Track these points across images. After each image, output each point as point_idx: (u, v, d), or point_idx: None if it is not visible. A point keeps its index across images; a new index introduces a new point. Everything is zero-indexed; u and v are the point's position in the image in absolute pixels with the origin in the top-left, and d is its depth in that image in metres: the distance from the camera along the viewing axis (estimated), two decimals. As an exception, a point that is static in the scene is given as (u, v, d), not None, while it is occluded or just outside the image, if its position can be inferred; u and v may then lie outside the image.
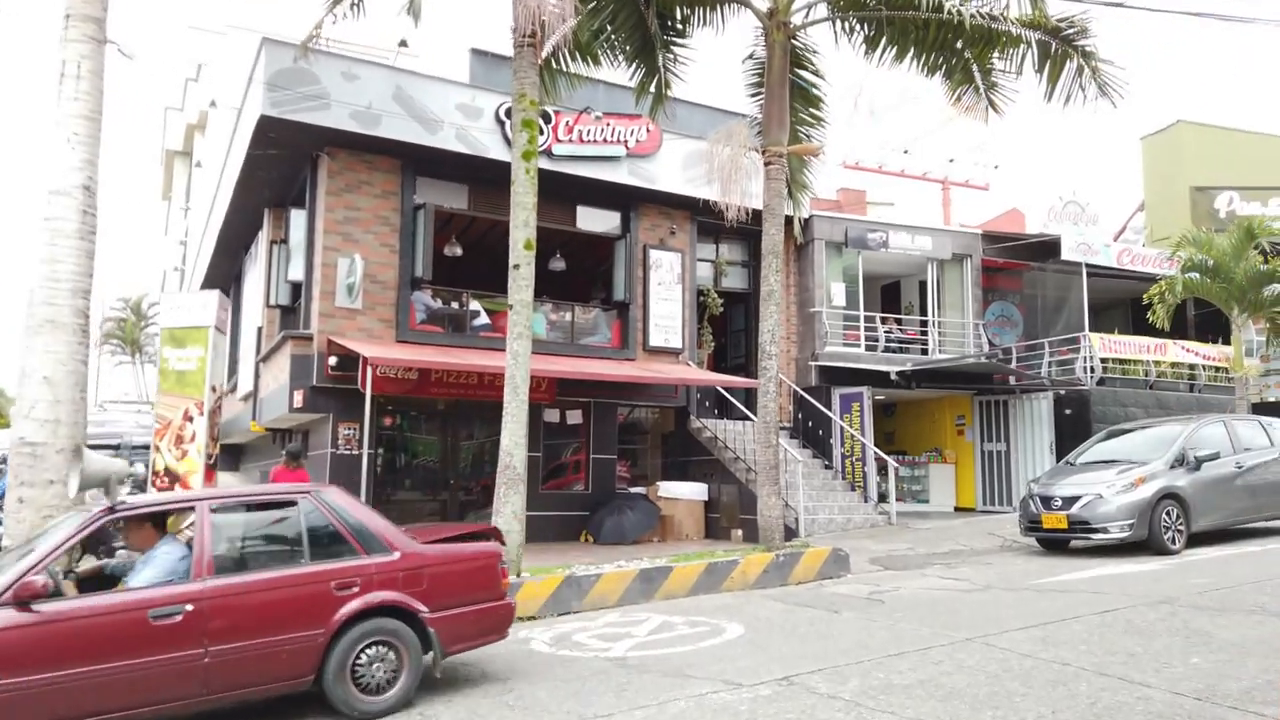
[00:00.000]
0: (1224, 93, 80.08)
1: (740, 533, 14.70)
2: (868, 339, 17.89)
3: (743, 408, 15.85)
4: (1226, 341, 18.62)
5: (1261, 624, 6.52)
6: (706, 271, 17.71)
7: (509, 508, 9.11)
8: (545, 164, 14.51)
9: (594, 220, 16.21)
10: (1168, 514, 10.70)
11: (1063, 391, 16.62)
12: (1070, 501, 11.06)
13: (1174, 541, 10.65)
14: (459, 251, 15.95)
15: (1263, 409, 17.99)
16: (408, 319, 14.15)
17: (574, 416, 15.73)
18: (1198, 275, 15.60)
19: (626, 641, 7.27)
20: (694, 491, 15.59)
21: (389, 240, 14.22)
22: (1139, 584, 8.66)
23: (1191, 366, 17.50)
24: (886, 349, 18.02)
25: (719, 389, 16.47)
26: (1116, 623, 6.91)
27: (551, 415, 15.53)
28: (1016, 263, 19.30)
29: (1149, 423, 13.29)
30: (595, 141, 15.18)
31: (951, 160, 25.17)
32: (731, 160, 11.72)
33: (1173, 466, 11.04)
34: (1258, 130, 22.56)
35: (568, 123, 14.95)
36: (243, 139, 14.64)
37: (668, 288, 16.51)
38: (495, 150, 14.17)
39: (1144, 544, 10.69)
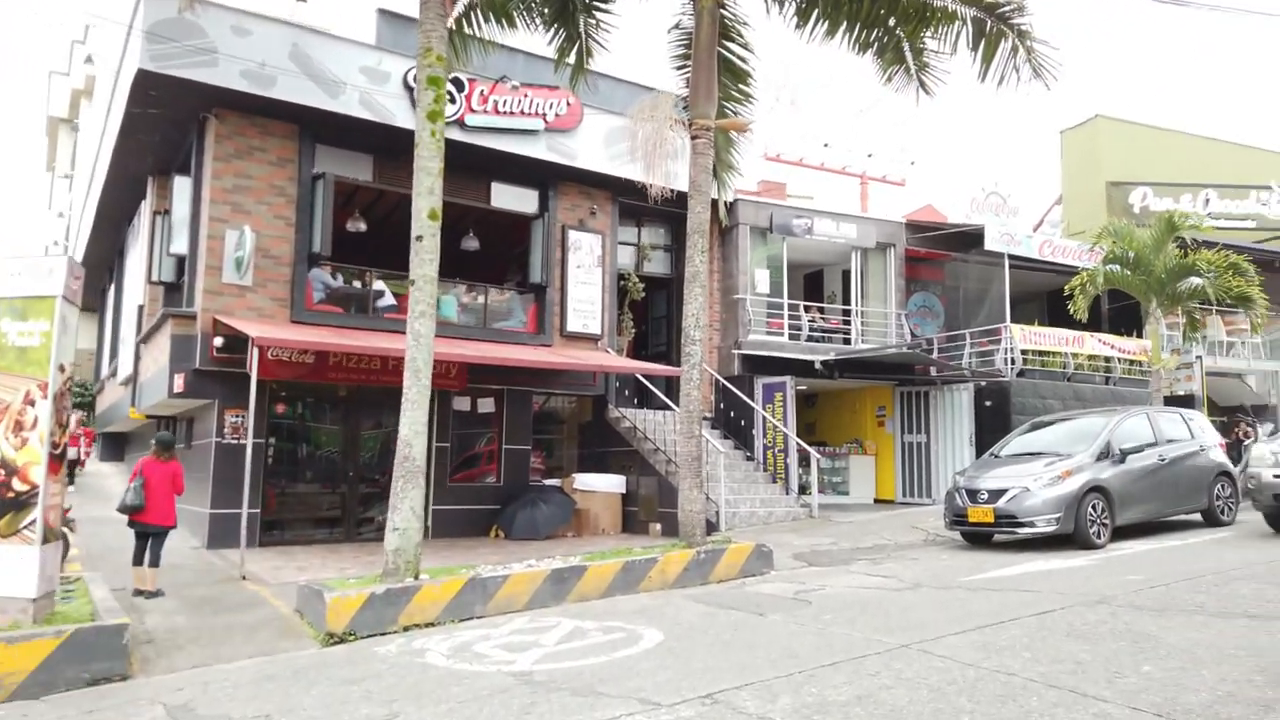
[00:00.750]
0: (1145, 87, 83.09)
1: (659, 526, 14.11)
2: (791, 328, 17.50)
3: (664, 397, 15.25)
4: (1138, 335, 18.86)
5: (1205, 626, 6.18)
6: (628, 255, 17.05)
7: (407, 503, 8.27)
8: (457, 135, 13.63)
9: (510, 198, 15.37)
10: (1094, 507, 10.50)
11: (983, 383, 16.52)
12: (997, 495, 10.77)
13: (1099, 536, 10.45)
14: (363, 227, 14.91)
15: (1173, 401, 18.26)
16: (304, 298, 13.09)
17: (486, 405, 14.89)
18: (1118, 267, 15.62)
19: (534, 652, 6.56)
20: (611, 484, 14.94)
21: (284, 212, 13.13)
22: (1071, 581, 8.35)
23: (1107, 359, 17.62)
24: (810, 338, 17.67)
25: (639, 377, 15.84)
26: (1057, 625, 6.50)
27: (462, 403, 14.66)
28: (939, 253, 19.18)
29: (1072, 415, 13.18)
30: (512, 113, 14.33)
31: (870, 155, 25.07)
32: (656, 135, 11.05)
33: (1098, 459, 10.85)
34: (1172, 128, 23.03)
35: (482, 92, 14.07)
36: (121, 97, 13.33)
37: (587, 271, 15.79)
38: (403, 118, 13.20)
39: (1069, 538, 10.47)
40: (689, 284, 10.55)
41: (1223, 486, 11.76)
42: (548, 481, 15.31)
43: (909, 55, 11.80)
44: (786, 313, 17.56)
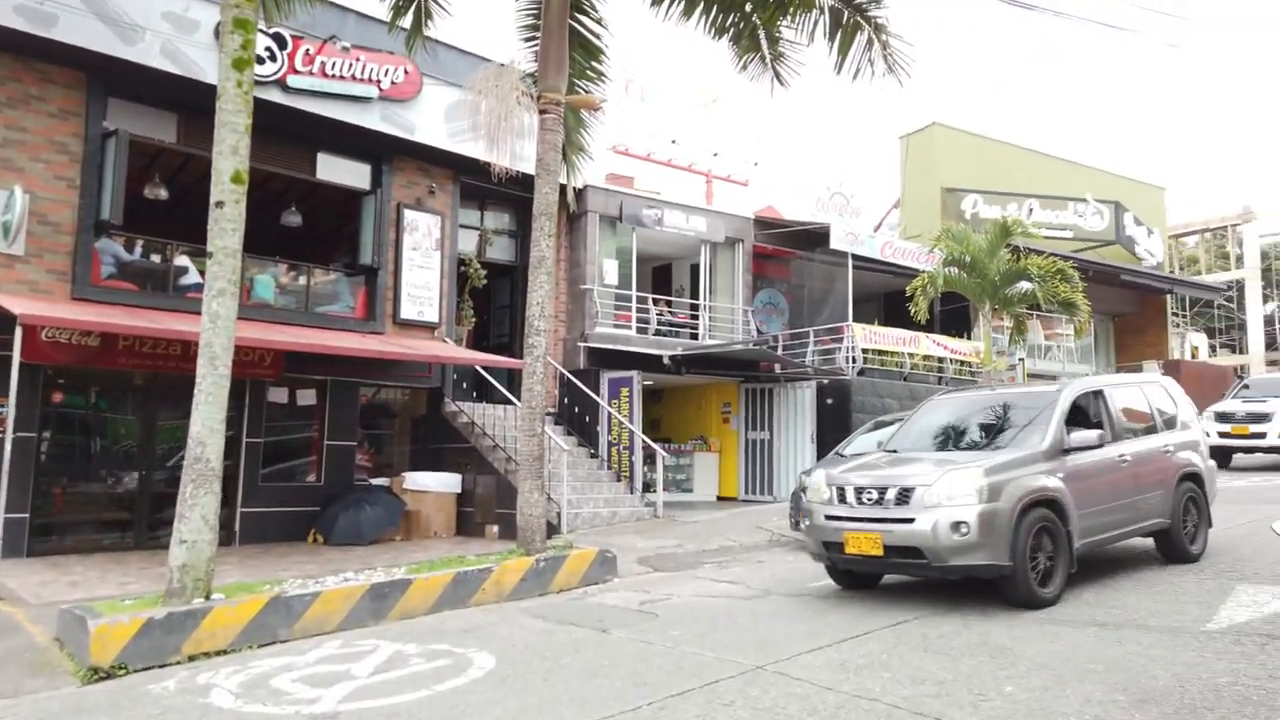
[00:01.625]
0: (981, 95, 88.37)
1: (497, 529, 13.28)
2: (639, 321, 17.02)
3: (505, 391, 14.38)
4: (967, 337, 19.58)
5: (1057, 636, 6.02)
6: (470, 239, 16.06)
7: (197, 512, 7.11)
8: (278, 96, 12.31)
9: (338, 171, 14.08)
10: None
11: (826, 381, 16.59)
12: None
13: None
14: (164, 194, 13.24)
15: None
16: (89, 272, 11.43)
17: (306, 397, 13.57)
18: (955, 270, 16.03)
19: (343, 686, 5.65)
20: (446, 483, 13.97)
21: (66, 172, 11.41)
22: (921, 584, 8.17)
23: (941, 360, 18.14)
24: (658, 333, 17.24)
25: (479, 369, 14.90)
26: (911, 637, 6.20)
27: (278, 394, 13.30)
28: (785, 250, 19.21)
29: (901, 416, 13.30)
30: (341, 77, 13.08)
31: (716, 154, 25.03)
32: (501, 108, 10.22)
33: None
34: (1001, 139, 24.15)
35: (308, 51, 12.75)
36: None
37: (425, 254, 14.70)
38: (213, 73, 11.61)
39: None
40: (534, 270, 9.78)
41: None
42: (375, 481, 14.15)
43: (764, 43, 11.49)
44: (635, 305, 17.06)
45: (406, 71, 13.63)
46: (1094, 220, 23.20)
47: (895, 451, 8.21)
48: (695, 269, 19.25)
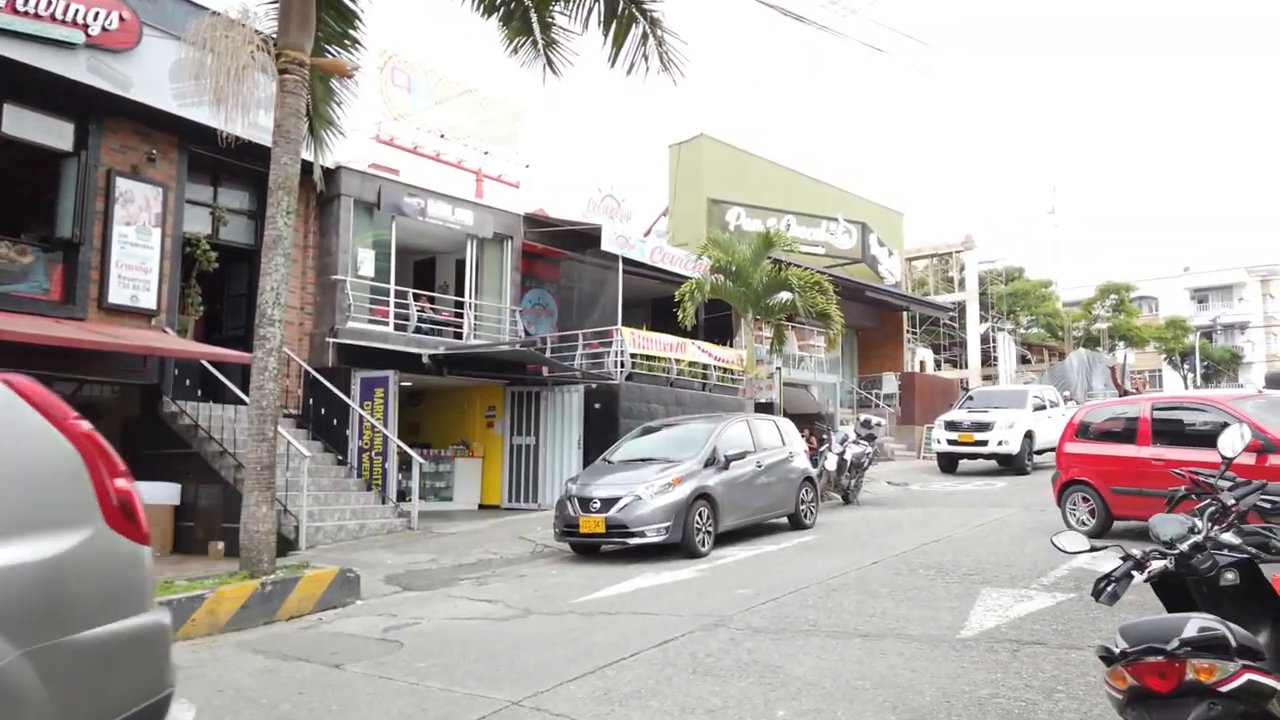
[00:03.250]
0: (747, 105, 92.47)
1: (222, 545, 11.69)
2: (398, 318, 15.83)
3: (239, 391, 12.70)
4: (730, 345, 20.02)
5: (825, 650, 5.82)
6: (201, 218, 14.21)
7: None
8: (-55, 26, 10.12)
9: (33, 127, 11.90)
10: (700, 515, 10.32)
11: (594, 385, 16.23)
12: (609, 503, 10.18)
13: (704, 544, 10.29)
14: None
15: (759, 408, 19.60)
16: None
17: (-21, 393, 11.27)
18: (721, 278, 16.21)
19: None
20: (162, 494, 12.16)
21: None
22: (685, 598, 7.85)
23: (705, 366, 18.34)
24: (418, 330, 16.12)
25: (206, 365, 13.13)
26: (680, 659, 5.78)
27: (-60, 390, 10.92)
28: (555, 250, 18.71)
29: (678, 420, 13.19)
30: (35, 15, 11.03)
31: (486, 153, 24.15)
32: (231, 63, 8.83)
33: (706, 465, 10.74)
34: (763, 155, 25.08)
35: (-8, -22, 10.60)
36: None
37: (142, 230, 12.77)
38: None
39: (676, 546, 10.17)
40: (269, 250, 8.56)
41: (806, 491, 12.38)
42: (72, 493, 12.03)
43: (537, 28, 10.91)
44: (393, 300, 15.85)
45: (122, 18, 11.75)
46: (844, 239, 24.66)
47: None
48: (461, 265, 18.28)
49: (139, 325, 12.67)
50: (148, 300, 12.79)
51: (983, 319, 38.15)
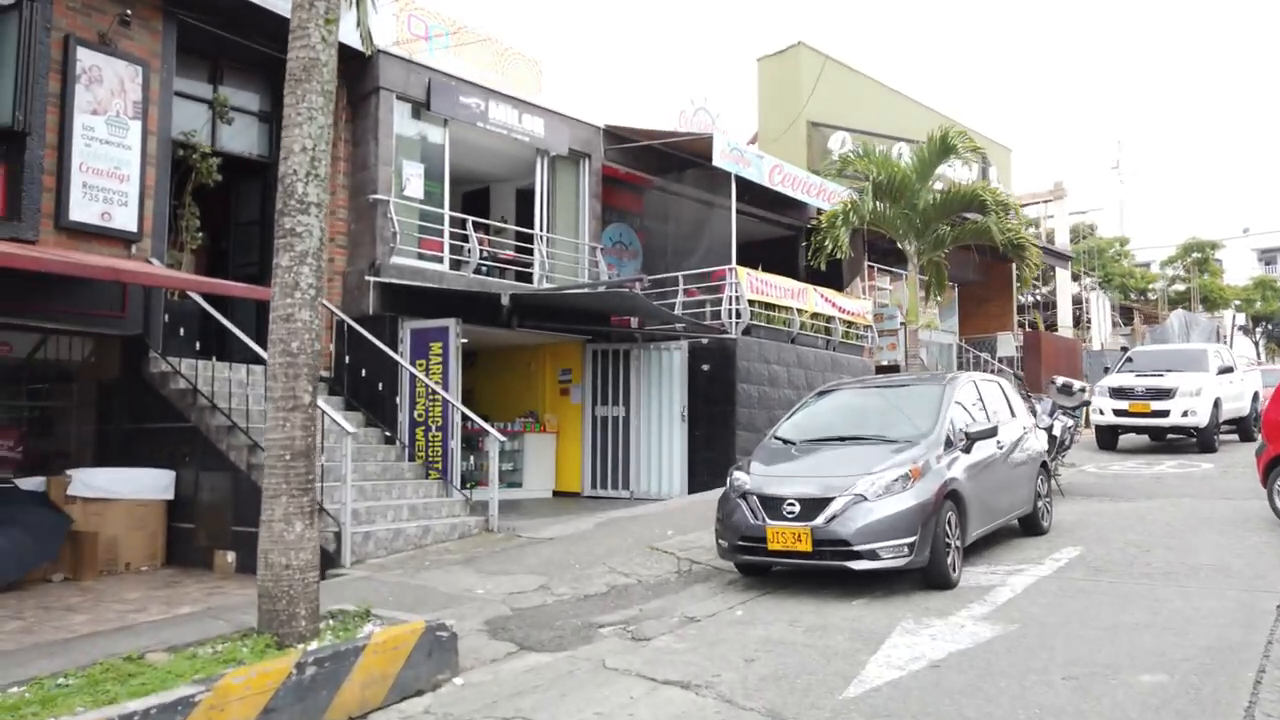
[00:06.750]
0: (836, 18, 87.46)
1: (233, 557, 8.36)
2: (455, 252, 12.29)
3: (252, 343, 9.18)
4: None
5: None
6: (198, 114, 10.70)
7: None
8: None
9: (-46, -35, 8.33)
10: (949, 523, 6.82)
11: (704, 341, 12.69)
12: (813, 507, 6.65)
13: (954, 567, 6.82)
14: None
15: (880, 371, 16.07)
16: None
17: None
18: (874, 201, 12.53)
19: None
20: (147, 485, 8.84)
21: None
22: (1005, 687, 4.35)
23: (829, 319, 14.70)
24: (477, 271, 12.57)
25: (205, 305, 9.61)
26: None
27: None
28: (640, 176, 15.05)
29: (870, 380, 9.73)
30: None
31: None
32: None
33: (947, 447, 7.20)
34: (868, 73, 21.29)
35: None
36: None
37: (115, 124, 9.26)
38: None
39: (914, 571, 6.69)
40: (297, 85, 5.03)
41: (1042, 481, 8.88)
42: (23, 483, 8.65)
43: None
44: (448, 230, 12.30)
45: None
46: (963, 172, 20.84)
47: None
48: (521, 194, 14.73)
49: (114, 252, 9.19)
50: (125, 219, 9.29)
51: (1074, 277, 34.21)
